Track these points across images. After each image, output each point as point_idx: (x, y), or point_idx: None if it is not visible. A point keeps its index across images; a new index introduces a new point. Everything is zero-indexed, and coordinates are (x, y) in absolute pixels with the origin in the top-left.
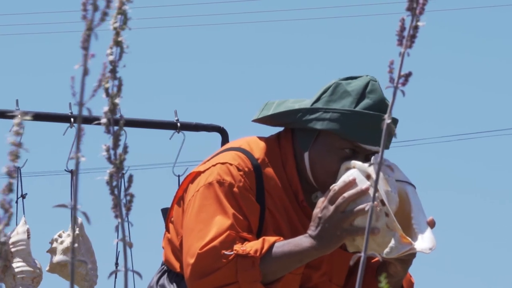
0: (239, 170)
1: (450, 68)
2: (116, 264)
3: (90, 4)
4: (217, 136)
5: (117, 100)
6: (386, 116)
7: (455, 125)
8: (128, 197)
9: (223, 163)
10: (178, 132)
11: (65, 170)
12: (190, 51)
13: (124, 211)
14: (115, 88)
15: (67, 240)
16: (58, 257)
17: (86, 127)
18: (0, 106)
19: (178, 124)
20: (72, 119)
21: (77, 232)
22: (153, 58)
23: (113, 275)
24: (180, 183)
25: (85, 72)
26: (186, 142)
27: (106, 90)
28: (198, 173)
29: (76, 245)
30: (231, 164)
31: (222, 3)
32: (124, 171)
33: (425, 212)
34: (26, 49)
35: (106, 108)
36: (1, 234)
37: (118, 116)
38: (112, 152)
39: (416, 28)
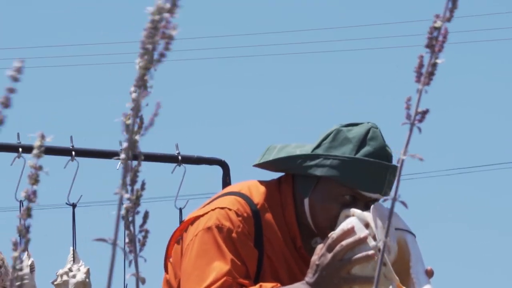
0: (238, 215)
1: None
2: None
3: (150, 43)
4: (218, 169)
5: (137, 137)
6: (401, 152)
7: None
8: (143, 233)
9: (222, 208)
10: (179, 165)
11: (66, 203)
12: (191, 83)
13: (138, 247)
14: (136, 125)
15: (79, 275)
16: None
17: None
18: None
19: (179, 157)
20: (73, 153)
21: (88, 267)
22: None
23: None
24: (179, 223)
25: (138, 109)
26: (187, 175)
27: (127, 126)
28: (197, 217)
29: (87, 280)
30: (230, 209)
31: (224, 37)
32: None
33: (425, 261)
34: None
35: (125, 144)
36: (18, 261)
37: (137, 152)
38: (129, 187)
39: (434, 65)
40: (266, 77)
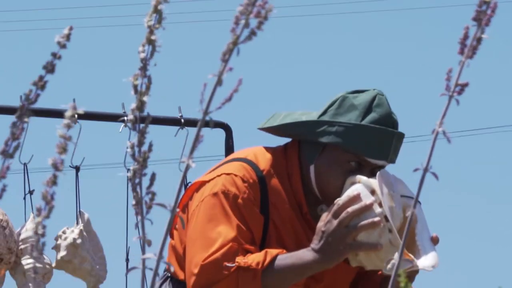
0: (244, 181)
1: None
2: (127, 259)
3: (243, 19)
4: (221, 133)
5: (145, 98)
6: (437, 123)
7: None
8: (150, 195)
9: (228, 174)
10: (182, 129)
11: (70, 166)
12: (194, 46)
13: (145, 209)
14: (144, 85)
15: (71, 236)
16: (61, 253)
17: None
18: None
19: (182, 120)
20: (76, 115)
21: (81, 227)
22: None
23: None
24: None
25: (219, 82)
26: (190, 139)
27: (135, 87)
28: (203, 183)
29: (79, 241)
30: (236, 175)
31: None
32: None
33: (430, 228)
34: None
35: (133, 105)
36: (40, 226)
37: (145, 113)
38: (136, 149)
39: (479, 40)
40: (270, 46)
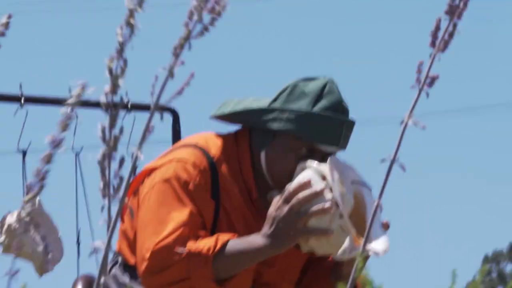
0: (194, 167)
1: None
2: (78, 242)
3: (197, 15)
4: (168, 117)
5: (120, 81)
6: (406, 115)
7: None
8: (118, 179)
9: (179, 160)
10: (129, 113)
11: (16, 150)
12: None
13: (112, 192)
14: (119, 68)
15: (9, 221)
16: (1, 239)
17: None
18: None
19: (129, 105)
20: (22, 99)
21: (19, 211)
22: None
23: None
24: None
25: (170, 75)
26: (137, 123)
27: (110, 69)
28: (154, 169)
29: (16, 225)
30: (186, 161)
31: None
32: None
33: (381, 215)
34: None
35: (107, 88)
36: (29, 204)
37: (118, 97)
38: (107, 132)
39: (451, 34)
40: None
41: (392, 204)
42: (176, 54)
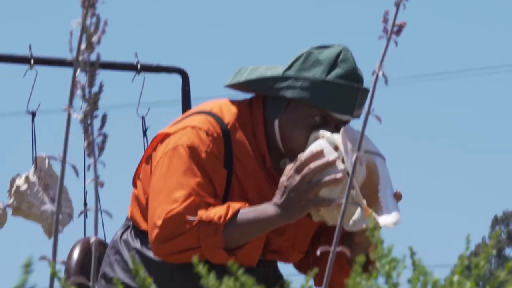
0: (208, 135)
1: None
2: (85, 203)
3: None
4: (177, 78)
5: (94, 38)
6: (376, 65)
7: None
8: (102, 137)
9: (193, 127)
10: (139, 74)
11: (26, 112)
12: None
13: (97, 151)
14: (92, 26)
15: (17, 183)
16: (10, 200)
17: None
18: None
19: (139, 66)
20: (32, 61)
21: (27, 174)
22: None
23: (83, 215)
24: (142, 131)
25: (84, 29)
26: (148, 84)
27: (83, 27)
28: (168, 135)
29: (25, 187)
30: (200, 129)
31: None
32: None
33: (392, 183)
34: None
35: (83, 46)
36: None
37: (94, 54)
38: (87, 90)
39: None
40: None
41: (401, 167)
42: (85, 6)
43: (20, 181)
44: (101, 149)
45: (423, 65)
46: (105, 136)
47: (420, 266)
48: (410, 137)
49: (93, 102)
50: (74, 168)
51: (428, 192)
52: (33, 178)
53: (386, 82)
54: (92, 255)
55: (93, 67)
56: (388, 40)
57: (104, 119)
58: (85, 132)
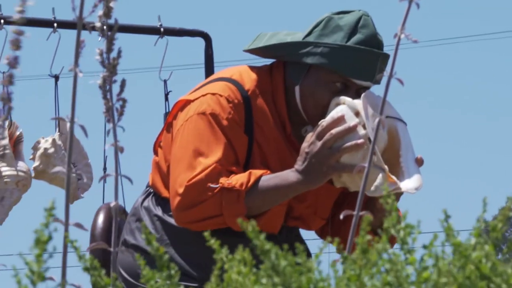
0: (229, 101)
1: None
2: (105, 168)
3: None
4: (200, 41)
5: (111, 4)
6: (398, 28)
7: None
8: (121, 102)
9: (213, 94)
10: (162, 37)
11: (49, 75)
12: None
13: (116, 116)
14: None
15: (43, 146)
16: (35, 163)
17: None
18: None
19: (162, 29)
20: (55, 24)
21: (54, 137)
22: None
23: (103, 180)
24: (164, 95)
25: None
26: (170, 47)
27: None
28: (188, 102)
29: (52, 150)
30: (221, 95)
31: None
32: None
33: (414, 148)
34: None
35: (100, 12)
36: (0, 130)
37: (112, 20)
38: (105, 56)
39: None
40: None
41: (422, 133)
42: None
43: (47, 144)
44: (121, 114)
45: (450, 29)
46: (124, 101)
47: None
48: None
49: (111, 67)
50: (83, 128)
51: (452, 159)
52: (59, 141)
53: (414, 41)
54: (113, 220)
55: (111, 33)
56: (410, 2)
57: (123, 84)
58: (104, 97)
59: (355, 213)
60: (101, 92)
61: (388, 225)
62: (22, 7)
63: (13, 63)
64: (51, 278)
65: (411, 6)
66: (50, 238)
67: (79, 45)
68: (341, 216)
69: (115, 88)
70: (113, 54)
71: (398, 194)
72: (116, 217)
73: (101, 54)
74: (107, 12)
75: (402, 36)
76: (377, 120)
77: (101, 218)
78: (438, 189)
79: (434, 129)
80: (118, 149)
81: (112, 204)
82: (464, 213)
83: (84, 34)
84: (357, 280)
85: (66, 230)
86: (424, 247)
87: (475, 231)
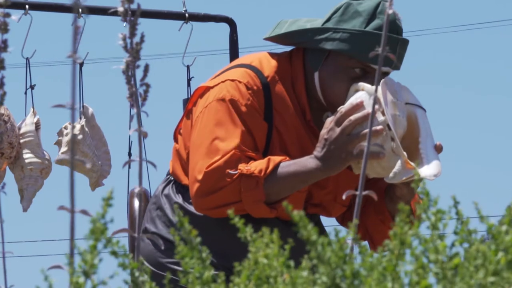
0: (248, 88)
1: None
2: (129, 154)
3: None
4: (225, 27)
5: None
6: (387, 4)
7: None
8: (144, 87)
9: (232, 80)
10: (186, 23)
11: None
12: None
13: (140, 101)
14: None
15: (70, 131)
16: (62, 149)
17: (98, 17)
18: None
19: (186, 15)
20: (80, 10)
21: (82, 123)
22: None
23: (127, 165)
24: (187, 80)
25: None
26: (194, 33)
27: None
28: (208, 88)
29: (80, 136)
30: (240, 82)
31: None
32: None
33: (433, 135)
34: None
35: None
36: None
37: (135, 5)
38: (128, 41)
39: None
40: None
41: (443, 121)
42: None
43: (75, 130)
44: (144, 99)
45: (473, 15)
46: (147, 86)
47: (464, 217)
48: (461, 88)
49: (134, 52)
50: (80, 113)
51: (476, 146)
52: (86, 128)
53: (399, 20)
54: (138, 205)
55: (134, 18)
56: None
57: (146, 69)
58: (127, 82)
59: (357, 193)
60: (125, 77)
61: (420, 211)
62: None
63: (2, 47)
64: (58, 267)
65: None
66: (106, 228)
67: (76, 31)
68: (344, 196)
69: (139, 73)
70: (136, 39)
71: (417, 181)
72: (142, 201)
73: (124, 39)
74: None
75: (390, 11)
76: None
77: (137, 202)
78: (469, 176)
79: (468, 115)
80: (142, 134)
81: (137, 189)
82: (494, 200)
83: (109, 18)
84: (393, 270)
85: (72, 217)
86: (455, 233)
87: (506, 218)
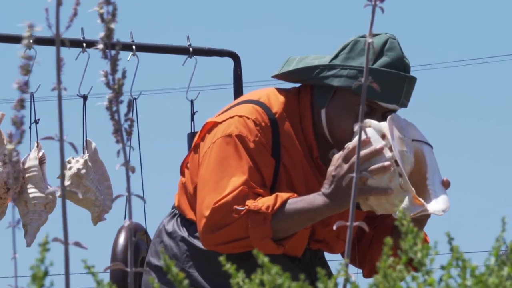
0: (256, 124)
1: None
2: (128, 189)
3: None
4: (229, 61)
5: (112, 25)
6: (367, 35)
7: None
8: (129, 122)
9: (240, 116)
10: (191, 57)
11: (77, 95)
12: None
13: (125, 136)
14: (109, 13)
15: (75, 166)
16: (65, 183)
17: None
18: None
19: (191, 49)
20: (84, 44)
21: (86, 157)
22: None
23: (120, 200)
24: (190, 115)
25: (59, 2)
26: (199, 67)
27: (101, 15)
28: (216, 124)
29: (84, 171)
30: (248, 118)
31: None
32: (123, 97)
33: (440, 170)
34: None
35: (102, 34)
36: (14, 153)
37: (114, 41)
38: (110, 77)
39: None
40: None
41: (442, 151)
42: None
43: (79, 165)
44: (129, 133)
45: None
46: (132, 121)
47: (458, 252)
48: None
49: (117, 88)
50: (73, 146)
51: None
52: (89, 162)
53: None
54: (129, 239)
55: (115, 53)
56: (374, 8)
57: (130, 104)
58: (111, 118)
59: (348, 224)
60: (108, 114)
61: (405, 247)
62: (30, 32)
63: (23, 87)
64: None
65: (376, 11)
66: (46, 273)
67: (59, 63)
68: (334, 227)
69: (123, 108)
70: (118, 74)
71: (425, 217)
72: (132, 236)
73: (105, 76)
74: (108, 34)
75: (370, 40)
76: (357, 127)
77: (122, 238)
78: (457, 208)
79: (449, 144)
80: (129, 169)
81: (126, 223)
82: (483, 232)
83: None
84: None
85: (66, 249)
86: (442, 267)
87: (494, 251)
